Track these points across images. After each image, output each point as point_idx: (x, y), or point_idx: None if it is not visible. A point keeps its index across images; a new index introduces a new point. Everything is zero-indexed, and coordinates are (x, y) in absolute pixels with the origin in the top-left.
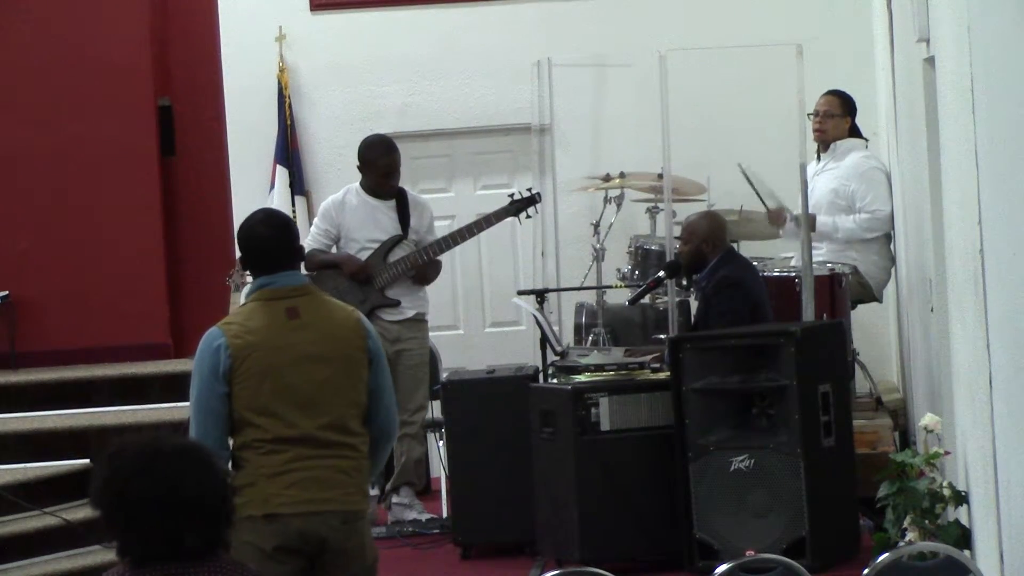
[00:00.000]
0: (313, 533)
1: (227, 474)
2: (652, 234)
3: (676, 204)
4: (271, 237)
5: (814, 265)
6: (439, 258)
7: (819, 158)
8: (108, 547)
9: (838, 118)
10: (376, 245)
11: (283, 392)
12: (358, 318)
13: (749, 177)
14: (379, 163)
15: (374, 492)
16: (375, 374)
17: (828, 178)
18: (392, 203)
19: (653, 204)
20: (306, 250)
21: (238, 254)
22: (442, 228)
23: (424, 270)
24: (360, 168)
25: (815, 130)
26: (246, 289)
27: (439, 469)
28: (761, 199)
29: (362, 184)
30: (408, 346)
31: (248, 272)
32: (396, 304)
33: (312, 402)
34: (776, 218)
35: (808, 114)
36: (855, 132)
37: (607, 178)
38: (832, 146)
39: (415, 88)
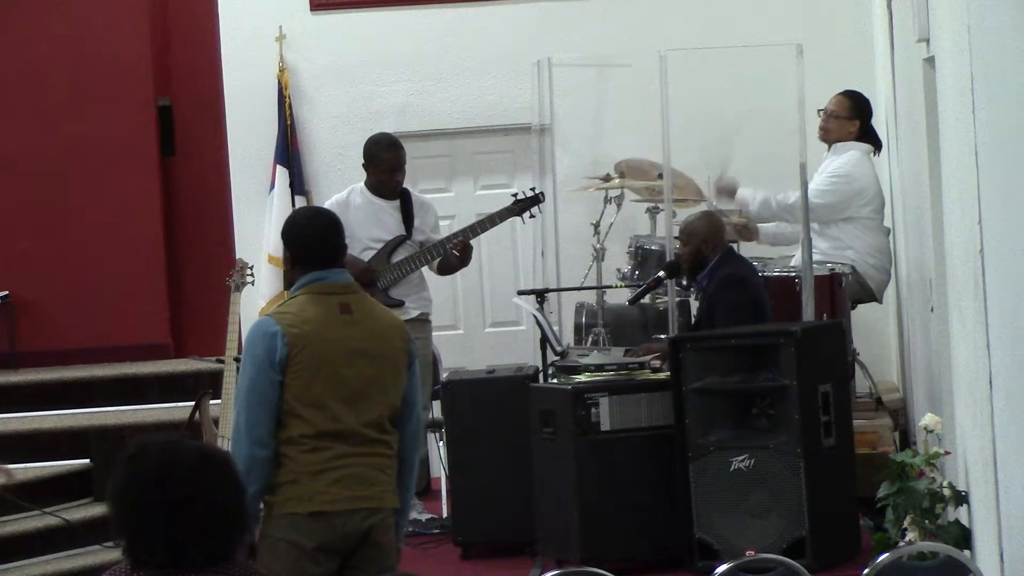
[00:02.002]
0: (354, 530)
1: (241, 483)
2: (652, 234)
3: (676, 204)
4: (323, 233)
5: (814, 265)
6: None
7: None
8: (108, 547)
9: (844, 120)
10: (380, 245)
11: (334, 385)
12: (401, 322)
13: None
14: (384, 157)
15: None
16: (413, 378)
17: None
18: (396, 203)
19: (653, 204)
20: None
21: (274, 252)
22: (443, 228)
23: (448, 261)
24: (365, 166)
25: (820, 127)
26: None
27: (439, 469)
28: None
29: (367, 183)
30: None
31: (291, 267)
32: (400, 304)
33: (358, 398)
34: (724, 189)
35: (818, 110)
36: (870, 136)
37: (607, 178)
38: (833, 147)
39: (415, 88)
